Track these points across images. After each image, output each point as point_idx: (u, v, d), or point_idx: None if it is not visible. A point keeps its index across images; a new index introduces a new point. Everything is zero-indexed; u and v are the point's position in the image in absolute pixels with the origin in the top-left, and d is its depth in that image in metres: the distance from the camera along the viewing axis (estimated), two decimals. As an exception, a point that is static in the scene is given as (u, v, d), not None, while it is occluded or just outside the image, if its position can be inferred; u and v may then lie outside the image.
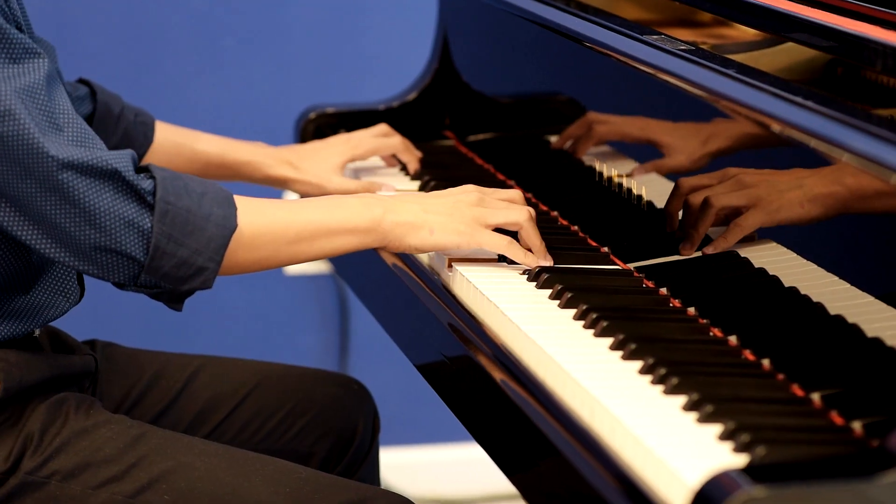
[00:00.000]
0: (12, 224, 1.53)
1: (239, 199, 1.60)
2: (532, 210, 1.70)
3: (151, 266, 1.55)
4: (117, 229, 1.53)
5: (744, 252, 1.56)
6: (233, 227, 1.57)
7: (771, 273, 1.52)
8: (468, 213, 1.67)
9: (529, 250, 1.69)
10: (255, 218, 1.60)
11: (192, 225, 1.55)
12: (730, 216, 1.58)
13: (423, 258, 1.79)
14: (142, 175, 1.56)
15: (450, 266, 1.70)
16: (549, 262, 1.69)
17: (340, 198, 1.68)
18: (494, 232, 1.67)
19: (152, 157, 2.02)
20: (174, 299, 1.61)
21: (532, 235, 1.69)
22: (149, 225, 1.54)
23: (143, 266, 1.55)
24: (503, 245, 1.67)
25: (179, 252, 1.55)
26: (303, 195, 2.06)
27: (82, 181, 1.51)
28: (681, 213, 1.66)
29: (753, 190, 1.54)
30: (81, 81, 1.99)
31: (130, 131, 1.99)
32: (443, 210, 1.66)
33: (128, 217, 1.53)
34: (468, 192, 1.70)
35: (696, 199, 1.61)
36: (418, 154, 2.12)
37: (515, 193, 1.73)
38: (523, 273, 1.69)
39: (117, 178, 1.53)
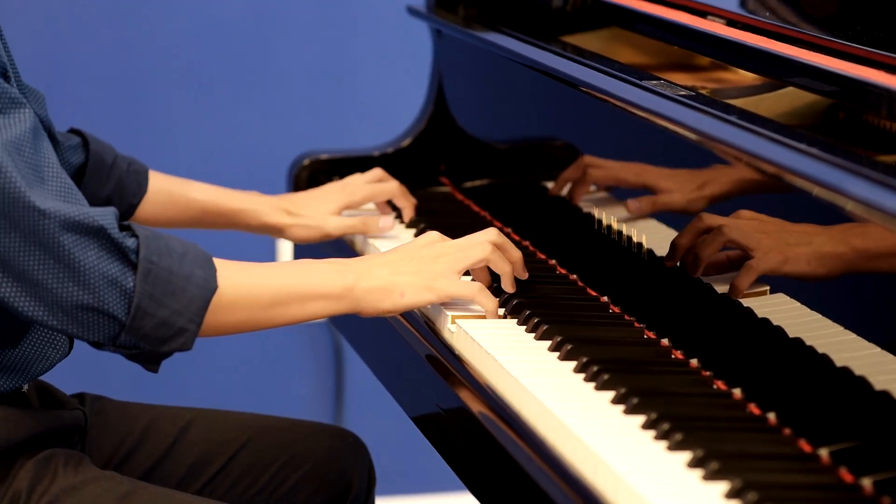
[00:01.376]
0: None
1: (218, 261, 1.59)
2: (494, 236, 1.70)
3: (132, 326, 1.52)
4: (101, 287, 1.50)
5: (747, 302, 1.53)
6: (213, 288, 1.55)
7: (775, 323, 1.49)
8: (434, 267, 1.67)
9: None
10: (234, 280, 1.59)
11: (173, 285, 1.52)
12: (732, 260, 1.55)
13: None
14: (125, 233, 1.53)
15: (453, 322, 1.69)
16: (512, 289, 1.71)
17: (314, 263, 1.68)
18: (463, 281, 1.68)
19: (146, 207, 2.00)
20: (151, 360, 1.59)
21: (498, 264, 1.70)
22: (132, 284, 1.51)
23: (124, 326, 1.52)
24: (474, 292, 1.67)
25: (160, 312, 1.52)
26: (301, 240, 2.05)
27: (68, 236, 1.49)
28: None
29: (765, 236, 1.51)
30: (73, 131, 1.97)
31: (124, 181, 1.97)
32: (410, 269, 1.67)
33: (111, 275, 1.50)
34: (430, 243, 1.70)
35: (710, 225, 1.59)
36: (413, 200, 2.10)
37: (477, 234, 1.72)
38: (521, 323, 1.66)
39: (102, 235, 1.50)
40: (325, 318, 1.69)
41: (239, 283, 1.59)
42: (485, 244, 1.69)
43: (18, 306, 1.50)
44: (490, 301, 1.68)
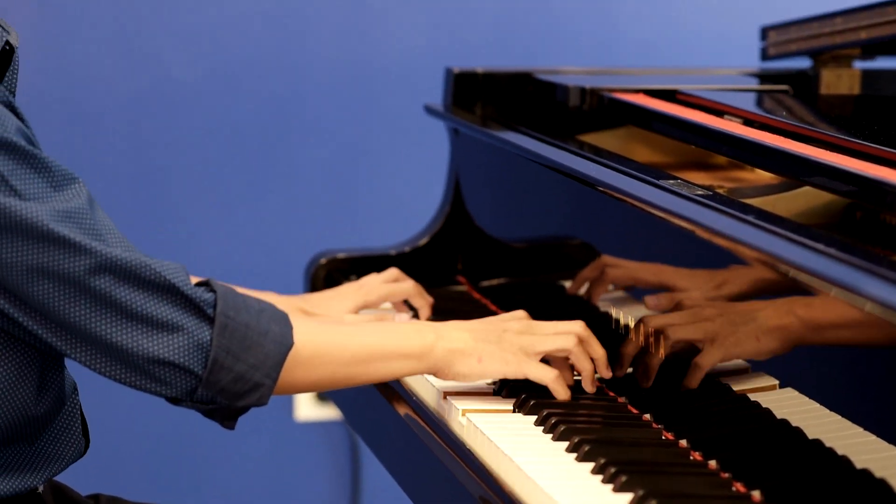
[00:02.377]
0: (64, 347, 1.52)
1: (295, 319, 1.61)
2: (582, 331, 1.70)
3: (209, 380, 1.53)
4: (178, 344, 1.52)
5: (765, 402, 1.52)
6: (289, 344, 1.57)
7: (794, 424, 1.48)
8: (516, 341, 1.68)
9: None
10: (312, 337, 1.61)
11: (250, 340, 1.55)
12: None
13: (431, 404, 1.77)
14: (203, 288, 1.56)
15: (445, 398, 1.71)
16: (592, 389, 1.71)
17: (394, 323, 1.73)
18: (541, 364, 1.68)
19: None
20: (228, 416, 1.60)
21: (580, 358, 1.70)
22: (208, 338, 1.53)
23: (201, 380, 1.53)
24: (550, 379, 1.68)
25: (237, 367, 1.54)
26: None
27: (139, 294, 1.51)
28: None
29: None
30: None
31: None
32: (491, 338, 1.68)
33: (188, 329, 1.53)
34: (517, 318, 1.73)
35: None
36: (430, 299, 2.10)
37: (566, 324, 1.73)
38: (538, 424, 1.65)
39: (175, 292, 1.53)
40: (405, 376, 1.72)
41: (317, 340, 1.62)
42: (570, 336, 1.69)
43: (95, 368, 1.52)
44: (564, 391, 1.68)
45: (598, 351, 1.72)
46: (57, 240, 1.48)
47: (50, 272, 1.48)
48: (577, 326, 1.71)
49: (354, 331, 1.68)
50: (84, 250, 1.49)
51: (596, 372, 1.71)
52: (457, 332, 1.68)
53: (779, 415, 1.51)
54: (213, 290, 1.56)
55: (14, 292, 1.49)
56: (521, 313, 1.73)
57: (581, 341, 1.70)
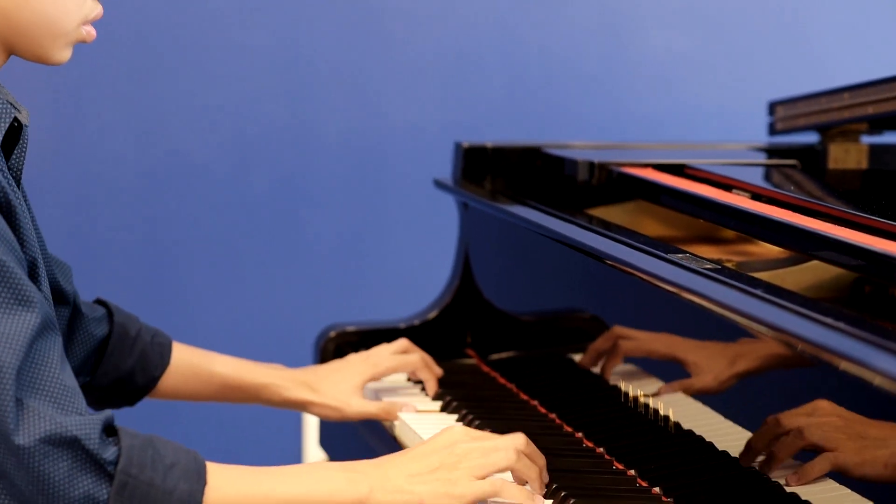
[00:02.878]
0: None
1: (214, 469, 1.53)
2: (521, 443, 1.62)
3: None
4: (72, 501, 1.46)
5: (805, 495, 1.50)
6: (197, 503, 1.50)
7: None
8: (455, 474, 1.59)
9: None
10: (227, 490, 1.53)
11: (152, 499, 1.48)
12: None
13: None
14: (109, 440, 1.50)
15: None
16: (541, 492, 1.63)
17: (326, 468, 1.61)
18: (484, 481, 1.59)
19: (169, 379, 2.00)
20: None
21: (524, 471, 1.62)
22: (105, 497, 1.47)
23: None
24: (498, 490, 1.59)
25: None
26: (322, 418, 2.05)
27: (39, 449, 1.46)
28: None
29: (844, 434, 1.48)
30: (99, 302, 1.98)
31: (147, 353, 1.98)
32: (430, 476, 1.59)
33: (84, 489, 1.47)
34: (452, 443, 1.62)
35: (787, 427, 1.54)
36: (439, 371, 2.10)
37: (505, 439, 1.64)
38: (549, 497, 1.64)
39: (77, 447, 1.47)
40: None
41: (233, 493, 1.53)
42: (510, 451, 1.61)
43: None
44: (520, 492, 1.60)
45: (539, 461, 1.64)
46: None
47: None
48: (518, 440, 1.63)
49: (278, 482, 1.56)
50: (4, 391, 1.44)
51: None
52: (394, 478, 1.57)
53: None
54: (118, 445, 1.50)
55: None
56: (456, 434, 1.62)
57: (522, 455, 1.62)
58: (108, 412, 1.52)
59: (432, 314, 2.34)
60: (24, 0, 1.57)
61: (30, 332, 1.48)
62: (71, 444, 1.47)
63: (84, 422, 1.48)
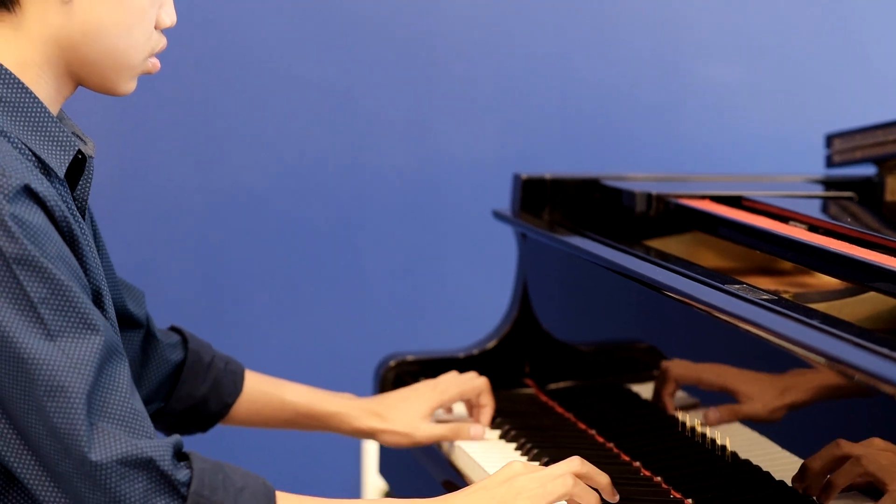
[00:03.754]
0: (47, 496, 1.50)
1: (282, 497, 1.56)
2: (577, 466, 1.63)
3: None
4: None
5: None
6: None
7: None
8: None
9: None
10: None
11: None
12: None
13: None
14: (182, 463, 1.53)
15: None
16: None
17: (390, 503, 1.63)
18: None
19: (241, 407, 2.03)
20: None
21: (584, 496, 1.62)
22: None
23: None
24: None
25: None
26: (391, 446, 2.06)
27: (116, 469, 1.49)
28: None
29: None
30: (173, 329, 2.01)
31: (220, 380, 2.00)
32: None
33: None
34: (510, 478, 1.62)
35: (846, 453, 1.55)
36: (493, 402, 2.12)
37: (560, 466, 1.65)
38: None
39: (152, 468, 1.50)
40: None
41: None
42: (566, 477, 1.61)
43: None
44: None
45: (601, 480, 1.65)
46: (56, 392, 1.47)
47: (43, 418, 1.48)
48: (573, 464, 1.63)
49: None
50: (77, 414, 1.47)
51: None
52: None
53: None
54: (190, 468, 1.53)
55: (10, 414, 1.49)
56: (514, 468, 1.63)
57: (580, 477, 1.63)
58: (177, 437, 1.55)
59: (491, 344, 2.35)
60: (95, 34, 1.60)
61: (97, 356, 1.50)
62: (146, 466, 1.50)
63: (157, 444, 1.51)
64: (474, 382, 2.11)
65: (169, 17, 1.66)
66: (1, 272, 1.47)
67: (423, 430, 2.03)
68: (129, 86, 1.66)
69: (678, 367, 1.89)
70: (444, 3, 3.08)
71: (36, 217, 1.49)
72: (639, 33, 3.18)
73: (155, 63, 1.67)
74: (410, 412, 2.04)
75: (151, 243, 3.02)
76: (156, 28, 1.65)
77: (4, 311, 1.47)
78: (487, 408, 2.11)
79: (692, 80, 3.20)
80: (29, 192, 1.49)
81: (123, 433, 1.51)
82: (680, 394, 1.89)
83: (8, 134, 1.56)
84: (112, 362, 1.53)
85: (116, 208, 2.97)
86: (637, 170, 2.90)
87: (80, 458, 1.48)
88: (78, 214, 1.61)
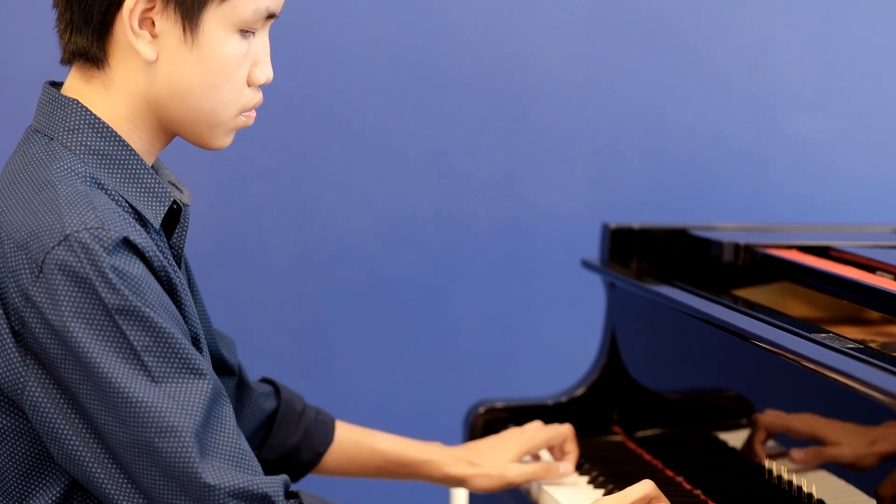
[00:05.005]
0: None
1: None
2: (651, 491, 1.70)
3: None
4: None
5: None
6: None
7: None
8: None
9: None
10: None
11: None
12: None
13: None
14: (291, 501, 1.58)
15: None
16: None
17: None
18: None
19: (332, 456, 2.06)
20: None
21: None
22: None
23: None
24: None
25: None
26: (482, 490, 2.08)
27: (232, 503, 1.53)
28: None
29: None
30: (265, 380, 2.05)
31: (312, 430, 2.03)
32: None
33: None
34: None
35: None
36: (577, 449, 2.14)
37: (634, 489, 1.72)
38: None
39: (266, 503, 1.54)
40: None
41: None
42: (647, 484, 1.70)
43: None
44: None
45: None
46: (166, 432, 1.50)
47: (155, 459, 1.51)
48: (646, 487, 1.71)
49: None
50: (189, 451, 1.51)
51: None
52: None
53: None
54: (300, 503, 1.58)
55: (120, 461, 1.53)
56: (602, 501, 1.71)
57: (651, 500, 1.70)
58: (285, 476, 1.59)
59: (580, 391, 2.36)
60: (181, 93, 1.63)
61: (205, 398, 1.54)
62: (261, 500, 1.54)
63: (270, 481, 1.56)
64: (560, 429, 2.13)
65: (264, 74, 1.67)
66: (105, 322, 1.51)
67: (514, 469, 2.05)
68: (224, 140, 1.68)
69: (766, 416, 1.90)
70: (531, 58, 3.10)
71: (135, 267, 1.53)
72: (728, 83, 3.18)
73: (250, 116, 1.68)
74: (500, 456, 2.06)
75: (246, 293, 3.05)
76: (250, 85, 1.66)
77: (110, 360, 1.51)
78: (572, 454, 2.13)
79: (781, 130, 3.20)
80: (128, 244, 1.53)
81: (235, 470, 1.55)
82: (768, 442, 1.89)
83: (105, 186, 1.59)
84: (218, 404, 1.57)
85: (212, 257, 3.01)
86: (726, 219, 2.91)
87: (197, 492, 1.52)
88: (174, 263, 1.65)
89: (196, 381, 1.55)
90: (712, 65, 3.17)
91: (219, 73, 1.63)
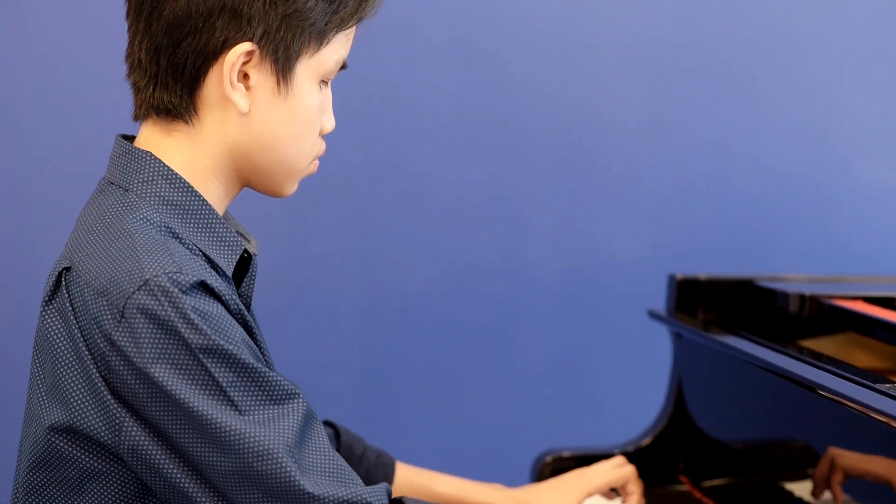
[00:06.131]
0: None
1: None
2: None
3: None
4: None
5: None
6: None
7: None
8: None
9: None
10: None
11: None
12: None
13: None
14: None
15: None
16: None
17: None
18: None
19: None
20: None
21: None
22: None
23: None
24: None
25: None
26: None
27: None
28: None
29: None
30: (326, 423, 2.07)
31: (372, 472, 2.05)
32: None
33: None
34: None
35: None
36: (640, 490, 2.14)
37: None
38: None
39: None
40: None
41: None
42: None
43: None
44: None
45: None
46: (264, 455, 1.53)
47: (258, 483, 1.54)
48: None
49: None
50: (289, 470, 1.54)
51: None
52: None
53: None
54: None
55: (222, 491, 1.56)
56: None
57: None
58: (384, 483, 1.62)
59: (646, 441, 2.36)
60: (270, 144, 1.67)
61: (297, 420, 1.57)
62: None
63: (374, 490, 1.59)
64: (621, 471, 2.13)
65: (330, 123, 1.72)
66: (189, 362, 1.54)
67: None
68: (292, 188, 1.73)
69: (833, 466, 1.90)
70: (596, 106, 3.11)
71: (215, 308, 1.56)
72: (796, 135, 3.18)
73: (315, 165, 1.73)
74: (559, 500, 2.08)
75: (310, 338, 3.07)
76: (319, 134, 1.71)
77: (198, 398, 1.53)
78: (634, 495, 2.13)
79: (850, 180, 3.20)
80: (205, 287, 1.56)
81: (336, 483, 1.58)
82: (835, 492, 1.89)
83: (180, 235, 1.62)
84: (310, 424, 1.60)
85: (279, 304, 3.04)
86: (792, 267, 2.91)
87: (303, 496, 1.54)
88: (244, 310, 1.66)
89: (284, 406, 1.57)
90: (781, 113, 3.18)
91: (305, 123, 1.68)
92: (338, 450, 2.05)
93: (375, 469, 2.06)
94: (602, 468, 2.13)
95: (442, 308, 3.11)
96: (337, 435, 2.06)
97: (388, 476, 2.08)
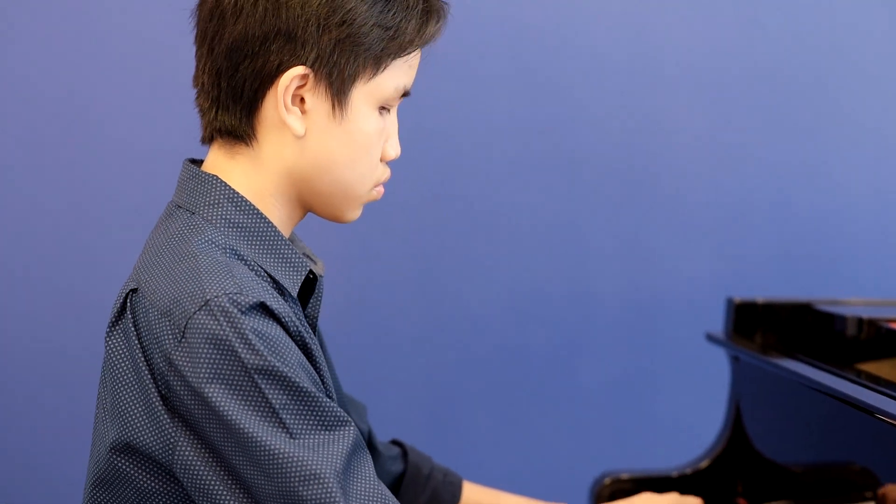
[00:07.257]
0: None
1: None
2: None
3: None
4: None
5: None
6: None
7: None
8: None
9: None
10: None
11: None
12: None
13: None
14: None
15: None
16: None
17: None
18: None
19: (459, 515, 2.09)
20: None
21: None
22: None
23: None
24: None
25: None
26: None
27: None
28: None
29: None
30: (394, 442, 2.09)
31: (439, 491, 2.07)
32: None
33: None
34: None
35: None
36: None
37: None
38: None
39: None
40: None
41: None
42: None
43: None
44: None
45: None
46: (310, 479, 1.54)
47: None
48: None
49: None
50: (335, 495, 1.54)
51: None
52: None
53: None
54: None
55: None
56: None
57: None
58: None
59: (704, 463, 2.36)
60: (326, 167, 1.69)
61: (345, 448, 1.58)
62: None
63: None
64: (688, 499, 2.14)
65: (394, 150, 1.73)
66: (244, 382, 1.55)
67: None
68: (355, 214, 1.74)
69: (890, 489, 1.89)
70: (658, 131, 3.12)
71: (272, 329, 1.57)
72: (853, 161, 3.18)
73: (380, 191, 1.74)
74: None
75: (377, 360, 3.08)
76: (381, 160, 1.73)
77: (250, 419, 1.55)
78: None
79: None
80: (264, 308, 1.58)
81: None
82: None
83: (245, 257, 1.65)
84: (358, 454, 1.61)
85: (345, 325, 3.05)
86: (849, 290, 2.90)
87: None
88: (310, 330, 1.69)
89: (334, 433, 1.58)
90: (840, 137, 3.17)
91: (361, 148, 1.69)
92: (405, 469, 2.06)
93: (443, 488, 2.08)
94: (670, 498, 2.14)
95: (504, 331, 3.12)
96: (405, 454, 2.08)
97: (456, 495, 2.09)
